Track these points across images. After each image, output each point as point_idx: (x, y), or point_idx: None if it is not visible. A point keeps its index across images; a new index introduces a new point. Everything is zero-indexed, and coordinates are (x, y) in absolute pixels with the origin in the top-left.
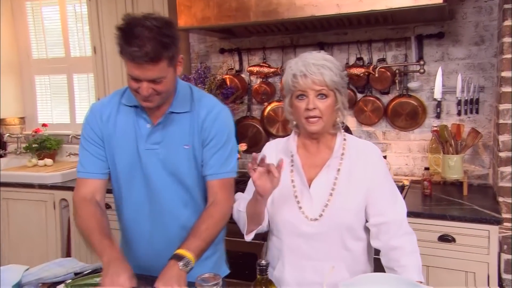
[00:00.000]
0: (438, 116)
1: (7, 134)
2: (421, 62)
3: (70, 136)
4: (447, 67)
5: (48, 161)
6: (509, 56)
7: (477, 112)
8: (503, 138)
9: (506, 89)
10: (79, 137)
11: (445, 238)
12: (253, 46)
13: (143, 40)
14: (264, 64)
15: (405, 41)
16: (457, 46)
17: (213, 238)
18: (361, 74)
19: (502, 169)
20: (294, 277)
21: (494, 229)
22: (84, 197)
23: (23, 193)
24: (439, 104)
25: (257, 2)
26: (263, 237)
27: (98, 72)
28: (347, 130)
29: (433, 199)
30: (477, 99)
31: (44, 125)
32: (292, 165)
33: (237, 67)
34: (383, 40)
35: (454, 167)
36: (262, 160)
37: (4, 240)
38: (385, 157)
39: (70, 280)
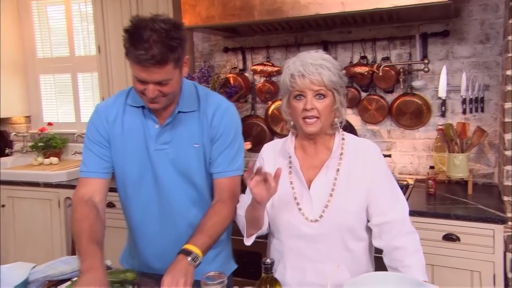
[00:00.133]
0: (443, 114)
1: (14, 133)
2: (426, 61)
3: (76, 135)
4: (451, 65)
5: (54, 159)
6: None
7: (482, 111)
8: (508, 136)
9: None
10: (84, 135)
11: (449, 237)
12: (257, 45)
13: (150, 43)
14: (267, 63)
15: (409, 40)
16: (462, 44)
17: (219, 235)
18: (365, 73)
19: (507, 167)
20: (296, 279)
21: (499, 228)
22: (81, 198)
23: (28, 192)
24: (443, 103)
25: (261, 1)
26: (267, 236)
27: (102, 71)
28: (352, 129)
29: (437, 198)
30: (482, 98)
31: (49, 124)
32: (290, 167)
33: (240, 66)
34: (387, 39)
35: (459, 165)
36: (258, 170)
37: (10, 238)
38: (389, 155)
39: (76, 278)
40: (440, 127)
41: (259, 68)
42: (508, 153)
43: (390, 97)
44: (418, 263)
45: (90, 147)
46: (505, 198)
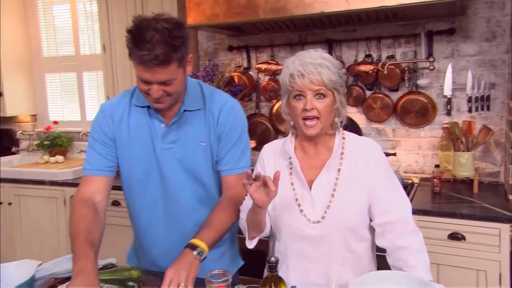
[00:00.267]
0: (448, 113)
1: (20, 132)
2: (431, 59)
3: (81, 133)
4: (457, 63)
5: (60, 158)
6: None
7: (488, 109)
8: None
9: None
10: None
11: (455, 236)
12: (261, 44)
13: (153, 44)
14: (272, 62)
15: (414, 38)
16: (468, 42)
17: (226, 231)
18: (370, 71)
19: None
20: (299, 280)
21: (505, 227)
22: (81, 198)
23: (35, 190)
24: (449, 101)
25: None
26: (270, 237)
27: (107, 70)
28: (357, 127)
29: (442, 197)
30: (488, 96)
31: (55, 122)
32: (290, 168)
33: (245, 65)
34: (392, 37)
35: (465, 164)
36: (257, 176)
37: (17, 235)
38: (394, 154)
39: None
40: (445, 125)
41: (263, 66)
42: None
43: (395, 96)
44: (423, 263)
45: (94, 146)
46: (511, 197)
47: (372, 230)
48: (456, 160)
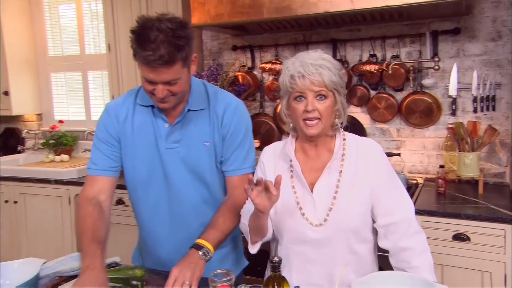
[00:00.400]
0: (453, 113)
1: (25, 131)
2: (436, 59)
3: (86, 133)
4: (462, 63)
5: (65, 157)
6: None
7: (493, 109)
8: None
9: None
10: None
11: (459, 237)
12: (265, 43)
13: (157, 44)
14: (276, 61)
15: (419, 37)
16: (473, 42)
17: (230, 231)
18: (375, 71)
19: None
20: (301, 282)
21: (510, 228)
22: (86, 197)
23: (40, 188)
24: (454, 101)
25: None
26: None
27: (112, 70)
28: (361, 127)
29: (447, 197)
30: (494, 96)
31: (60, 121)
32: (291, 171)
33: (249, 64)
34: (397, 36)
35: (469, 165)
36: (259, 181)
37: (22, 234)
38: (399, 154)
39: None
40: (450, 125)
41: (267, 66)
42: None
43: (399, 96)
44: (426, 264)
45: (98, 146)
46: None
47: (374, 231)
48: (461, 160)
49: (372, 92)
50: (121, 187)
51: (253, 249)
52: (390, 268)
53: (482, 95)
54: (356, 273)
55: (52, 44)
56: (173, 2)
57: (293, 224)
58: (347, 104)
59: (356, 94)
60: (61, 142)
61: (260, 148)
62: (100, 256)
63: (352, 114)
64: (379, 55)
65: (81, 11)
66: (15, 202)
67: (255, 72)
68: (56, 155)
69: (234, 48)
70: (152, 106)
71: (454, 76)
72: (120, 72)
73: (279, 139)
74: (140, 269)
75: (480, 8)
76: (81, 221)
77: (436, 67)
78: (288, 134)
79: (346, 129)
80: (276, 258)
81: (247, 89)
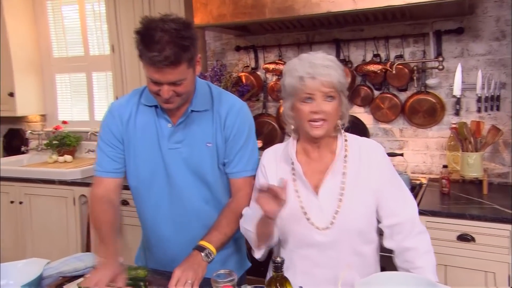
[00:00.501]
0: (457, 113)
1: (29, 131)
2: (440, 59)
3: (89, 133)
4: (466, 63)
5: (68, 157)
6: None
7: (497, 109)
8: None
9: None
10: (97, 134)
11: (464, 238)
12: (268, 43)
13: (162, 44)
14: (279, 61)
15: (423, 37)
16: (477, 41)
17: (234, 233)
18: (378, 71)
19: None
20: (306, 285)
21: None
22: (97, 196)
23: (44, 189)
24: (458, 101)
25: None
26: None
27: (116, 71)
28: (364, 127)
29: (451, 198)
30: (498, 96)
31: (64, 122)
32: (293, 174)
33: (252, 65)
34: (400, 36)
35: (473, 165)
36: (263, 187)
37: (28, 234)
38: (402, 154)
39: (89, 275)
40: (453, 125)
41: (271, 66)
42: None
43: (403, 96)
44: (430, 264)
45: (103, 148)
46: None
47: (378, 231)
48: (464, 160)
49: (376, 92)
50: (125, 187)
51: (259, 254)
52: (393, 268)
53: (486, 95)
54: (360, 274)
55: (57, 45)
56: (176, 3)
57: (299, 228)
58: (351, 105)
59: (359, 94)
60: (65, 143)
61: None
62: (115, 247)
63: (355, 114)
64: (382, 55)
65: (84, 12)
66: (21, 202)
67: (258, 73)
68: (60, 155)
69: (237, 48)
70: (156, 106)
71: (459, 76)
72: (124, 73)
73: (282, 139)
74: (143, 270)
75: (483, 8)
76: (97, 218)
77: (440, 67)
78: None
79: (346, 130)
80: (278, 259)
81: (251, 90)
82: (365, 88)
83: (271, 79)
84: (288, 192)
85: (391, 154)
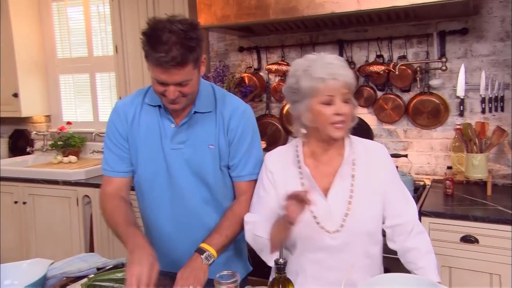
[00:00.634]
0: (461, 114)
1: (34, 132)
2: (443, 59)
3: (94, 134)
4: (470, 64)
5: (73, 158)
6: None
7: (502, 110)
8: None
9: None
10: (102, 135)
11: (468, 239)
12: (271, 44)
13: (169, 45)
14: (282, 62)
15: (426, 38)
16: (481, 42)
17: (235, 235)
18: (381, 72)
19: None
20: None
21: None
22: (108, 194)
23: (48, 189)
24: (462, 102)
25: (276, 0)
26: None
27: (119, 71)
28: (368, 128)
29: (455, 199)
30: (502, 97)
31: (68, 123)
32: (301, 178)
33: (255, 65)
34: (404, 37)
35: (478, 166)
36: (294, 195)
37: (31, 235)
38: (406, 155)
39: (93, 275)
40: (458, 126)
41: (274, 67)
42: None
43: (406, 96)
44: (432, 264)
45: (111, 148)
46: None
47: (382, 232)
48: (469, 161)
49: (379, 93)
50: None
51: (271, 260)
52: (397, 269)
53: (490, 96)
54: (370, 275)
55: (61, 46)
56: (180, 4)
57: (308, 232)
58: None
59: (363, 95)
60: (69, 144)
61: (266, 150)
62: (140, 235)
63: (358, 115)
64: (385, 55)
65: (89, 14)
66: (24, 203)
67: (261, 73)
68: (64, 156)
69: (241, 49)
70: (159, 106)
71: (462, 76)
72: (128, 74)
73: (286, 140)
74: None
75: (488, 8)
76: (111, 214)
77: (444, 68)
78: (293, 135)
79: (367, 128)
80: (281, 260)
81: (254, 90)
82: (368, 88)
83: (274, 79)
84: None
85: (395, 155)
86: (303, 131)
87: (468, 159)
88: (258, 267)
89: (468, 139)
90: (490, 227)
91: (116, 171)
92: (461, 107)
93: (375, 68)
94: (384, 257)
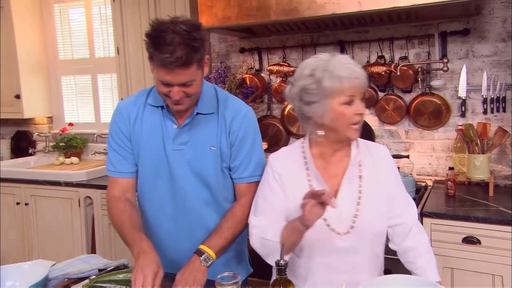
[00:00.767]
0: (463, 114)
1: (36, 133)
2: (445, 60)
3: (95, 135)
4: (471, 64)
5: (74, 159)
6: None
7: (504, 111)
8: None
9: None
10: (104, 136)
11: (470, 240)
12: (273, 45)
13: (173, 46)
14: (284, 63)
15: (428, 38)
16: (483, 42)
17: (235, 237)
18: (383, 73)
19: None
20: None
21: None
22: (114, 196)
23: (50, 191)
24: (463, 103)
25: (277, 1)
26: None
27: (121, 73)
28: (369, 129)
29: (457, 200)
30: (504, 97)
31: (70, 124)
32: (309, 180)
33: (257, 67)
34: (405, 38)
35: (479, 167)
36: (315, 193)
37: (33, 236)
38: (407, 156)
39: (94, 276)
40: (459, 127)
41: (275, 68)
42: None
43: (408, 97)
44: (431, 264)
45: (115, 148)
46: None
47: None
48: (470, 162)
49: (380, 94)
50: None
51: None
52: (398, 271)
53: (492, 97)
54: (378, 275)
55: (63, 47)
56: (181, 5)
57: (318, 235)
58: None
59: (364, 95)
60: (71, 145)
61: (267, 150)
62: (146, 240)
63: None
64: (387, 56)
65: (91, 15)
66: (26, 204)
67: (262, 74)
68: (66, 157)
69: (242, 50)
70: (162, 107)
71: (464, 77)
72: (129, 75)
73: (287, 141)
74: None
75: (490, 9)
76: (118, 218)
77: (445, 68)
78: (295, 136)
79: (368, 129)
80: (282, 261)
81: (255, 91)
82: (370, 89)
83: (275, 81)
84: (302, 194)
85: (397, 156)
86: (321, 132)
87: (469, 160)
88: (259, 269)
89: (469, 140)
90: (492, 228)
91: (121, 172)
92: (463, 107)
93: (377, 69)
94: (385, 258)
